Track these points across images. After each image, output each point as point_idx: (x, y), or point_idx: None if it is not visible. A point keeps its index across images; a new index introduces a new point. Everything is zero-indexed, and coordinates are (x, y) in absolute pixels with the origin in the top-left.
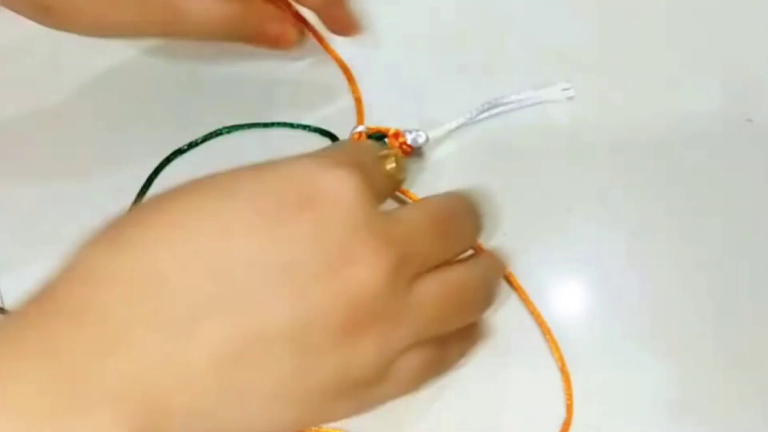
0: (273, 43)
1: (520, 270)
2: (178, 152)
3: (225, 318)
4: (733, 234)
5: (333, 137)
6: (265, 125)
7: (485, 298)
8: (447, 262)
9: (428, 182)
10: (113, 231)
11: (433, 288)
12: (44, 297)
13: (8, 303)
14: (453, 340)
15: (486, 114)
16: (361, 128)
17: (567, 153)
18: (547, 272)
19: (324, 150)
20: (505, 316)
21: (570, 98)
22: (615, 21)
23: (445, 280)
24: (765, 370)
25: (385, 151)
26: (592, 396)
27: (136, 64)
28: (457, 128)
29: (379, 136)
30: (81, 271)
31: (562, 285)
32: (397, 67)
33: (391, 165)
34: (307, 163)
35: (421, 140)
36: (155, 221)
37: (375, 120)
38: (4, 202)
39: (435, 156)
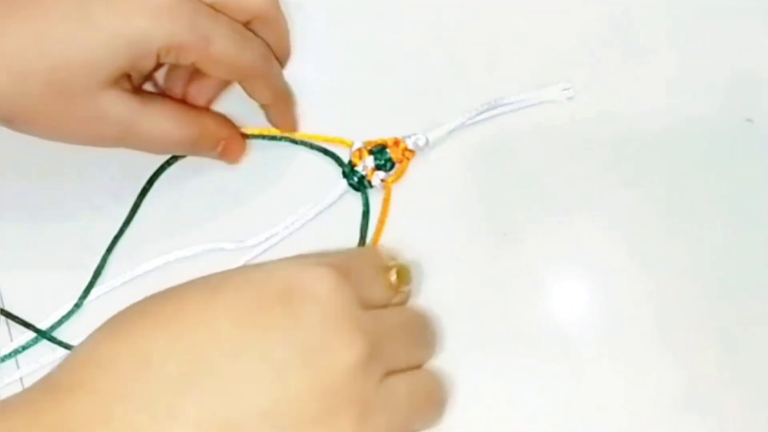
0: (220, 158)
1: (520, 270)
2: (179, 155)
3: (204, 400)
4: (734, 233)
5: (335, 157)
6: (269, 138)
7: (444, 400)
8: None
9: (428, 182)
10: (116, 321)
11: (403, 385)
12: (54, 375)
13: (8, 303)
14: None
15: (486, 114)
16: (358, 145)
17: (567, 153)
18: (547, 272)
19: (319, 254)
20: None
21: (570, 98)
22: (614, 21)
23: (414, 379)
24: (766, 369)
25: (392, 263)
26: (595, 394)
27: None
28: (457, 128)
29: (379, 148)
30: (84, 355)
31: (563, 285)
32: (397, 68)
33: (393, 277)
34: (291, 262)
35: (421, 143)
36: (151, 313)
37: (375, 121)
38: (4, 202)
39: (435, 156)
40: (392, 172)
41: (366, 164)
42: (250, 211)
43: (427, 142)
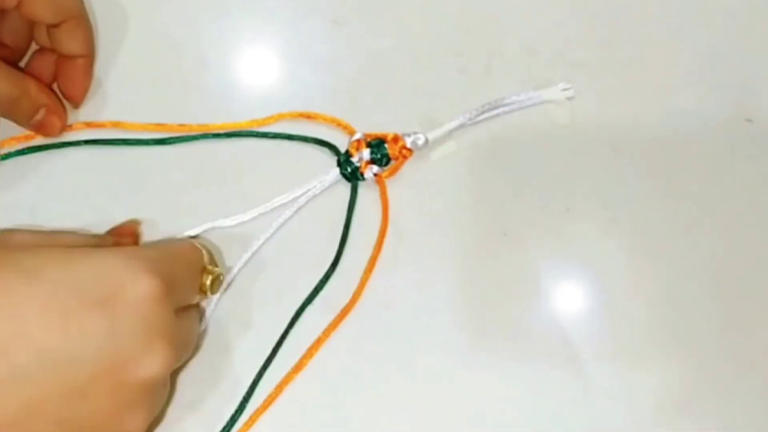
0: (36, 129)
1: (520, 270)
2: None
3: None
4: (733, 233)
5: (331, 146)
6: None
7: None
8: None
9: (429, 183)
10: None
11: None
12: None
13: None
14: None
15: (486, 114)
16: (358, 136)
17: (567, 153)
18: (547, 272)
19: (144, 248)
20: None
21: (570, 98)
22: (615, 21)
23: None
24: (767, 369)
25: (210, 267)
26: (595, 394)
27: (141, 66)
28: (457, 128)
29: (377, 142)
30: None
31: (563, 285)
32: (398, 68)
33: (208, 282)
34: (118, 262)
35: (420, 142)
36: None
37: (376, 121)
38: (4, 201)
39: (435, 156)
40: (386, 167)
41: (362, 156)
42: (246, 197)
43: (427, 141)
